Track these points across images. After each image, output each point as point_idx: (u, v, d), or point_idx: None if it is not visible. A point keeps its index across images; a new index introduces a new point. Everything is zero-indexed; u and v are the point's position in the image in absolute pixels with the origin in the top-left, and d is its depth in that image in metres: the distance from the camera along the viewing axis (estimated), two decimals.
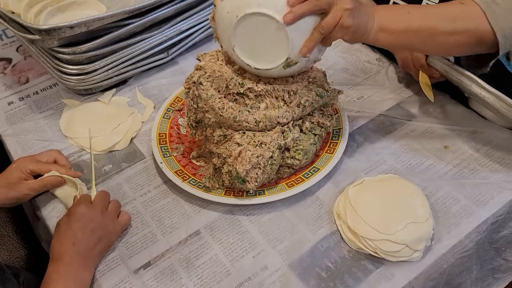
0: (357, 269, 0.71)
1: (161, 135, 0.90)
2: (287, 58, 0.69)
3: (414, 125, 0.91)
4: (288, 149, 0.79)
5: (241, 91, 0.75)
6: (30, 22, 0.92)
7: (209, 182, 0.80)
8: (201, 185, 0.81)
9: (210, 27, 1.13)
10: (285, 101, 0.77)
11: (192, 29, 1.10)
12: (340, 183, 0.82)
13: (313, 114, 0.82)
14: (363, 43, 1.11)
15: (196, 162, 0.87)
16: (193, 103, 0.78)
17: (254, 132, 0.77)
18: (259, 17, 0.66)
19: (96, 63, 0.98)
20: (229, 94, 0.76)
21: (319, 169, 0.81)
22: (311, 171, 0.81)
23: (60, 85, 1.08)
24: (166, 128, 0.92)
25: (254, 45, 0.70)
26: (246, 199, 0.78)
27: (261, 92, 0.76)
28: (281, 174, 0.81)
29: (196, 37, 1.12)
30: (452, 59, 0.84)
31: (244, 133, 0.77)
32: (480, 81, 0.78)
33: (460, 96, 0.94)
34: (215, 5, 0.72)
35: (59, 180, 0.82)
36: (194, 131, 0.83)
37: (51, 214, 0.83)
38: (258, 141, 0.75)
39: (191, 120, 0.81)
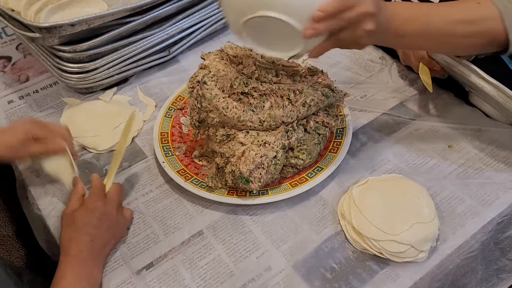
0: (362, 270, 0.70)
1: (163, 134, 0.89)
2: (296, 54, 0.68)
3: (418, 124, 0.91)
4: (292, 149, 0.79)
5: (246, 91, 0.75)
6: (30, 20, 0.91)
7: (211, 181, 0.80)
8: (203, 185, 0.80)
9: (211, 25, 1.12)
10: (290, 100, 0.76)
11: (194, 27, 1.09)
12: (344, 182, 0.82)
13: (318, 113, 0.82)
14: None
15: (199, 161, 0.86)
16: (197, 102, 0.77)
17: (258, 131, 0.76)
18: (277, 21, 0.61)
19: (97, 61, 0.97)
20: (234, 93, 0.75)
21: (323, 168, 0.80)
22: (314, 170, 0.81)
23: (60, 83, 1.07)
24: (168, 127, 0.91)
25: (264, 35, 0.66)
26: (249, 199, 0.78)
27: (265, 91, 0.75)
28: (285, 174, 0.81)
29: (198, 35, 1.11)
30: None
31: (247, 132, 0.76)
32: (479, 71, 0.77)
33: (464, 95, 0.93)
34: None
35: (61, 150, 0.77)
36: (197, 130, 0.83)
37: (52, 213, 0.82)
38: (262, 140, 0.75)
39: (194, 120, 0.80)
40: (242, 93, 0.75)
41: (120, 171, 0.87)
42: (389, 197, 0.75)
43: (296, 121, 0.78)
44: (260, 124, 0.75)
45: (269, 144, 0.74)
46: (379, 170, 0.83)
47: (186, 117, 0.93)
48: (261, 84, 0.75)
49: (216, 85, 0.76)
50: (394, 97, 0.96)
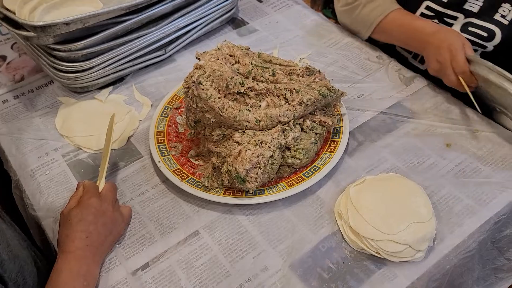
0: (359, 270, 0.70)
1: (159, 133, 0.89)
2: None
3: (415, 123, 0.90)
4: (288, 148, 0.78)
5: (242, 91, 0.74)
6: (24, 18, 0.90)
7: (208, 181, 0.79)
8: (200, 185, 0.79)
9: (208, 24, 1.12)
10: (287, 99, 0.76)
11: (190, 26, 1.08)
12: (341, 182, 0.81)
13: (315, 113, 0.81)
14: (362, 40, 1.09)
15: (195, 161, 0.85)
16: (193, 102, 0.77)
17: (254, 131, 0.76)
18: None
19: (92, 60, 0.97)
20: (229, 93, 0.75)
21: (320, 168, 0.80)
22: (311, 170, 0.80)
23: (55, 83, 1.07)
24: (164, 126, 0.90)
25: None
26: (246, 198, 0.77)
27: (262, 91, 0.74)
28: (281, 173, 0.80)
29: (194, 34, 1.11)
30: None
31: (244, 132, 0.76)
32: None
33: (462, 94, 0.93)
34: None
35: None
36: (193, 130, 0.82)
37: (47, 214, 0.81)
38: (259, 140, 0.74)
39: (190, 120, 0.80)
40: (238, 93, 0.74)
41: (116, 171, 0.87)
42: (386, 196, 0.75)
43: (292, 120, 0.77)
44: (256, 123, 0.74)
45: (266, 144, 0.74)
46: (376, 169, 0.83)
47: (182, 116, 0.93)
48: (257, 84, 0.74)
49: (211, 85, 0.76)
50: (391, 96, 0.96)
